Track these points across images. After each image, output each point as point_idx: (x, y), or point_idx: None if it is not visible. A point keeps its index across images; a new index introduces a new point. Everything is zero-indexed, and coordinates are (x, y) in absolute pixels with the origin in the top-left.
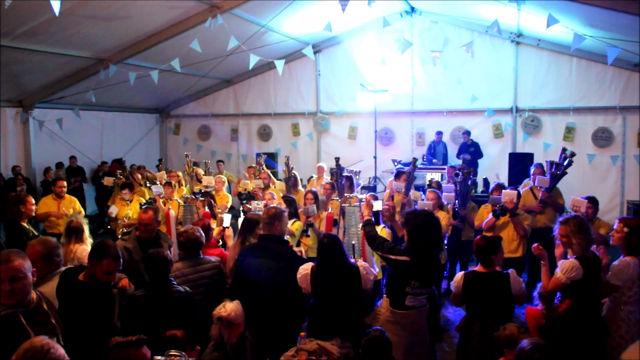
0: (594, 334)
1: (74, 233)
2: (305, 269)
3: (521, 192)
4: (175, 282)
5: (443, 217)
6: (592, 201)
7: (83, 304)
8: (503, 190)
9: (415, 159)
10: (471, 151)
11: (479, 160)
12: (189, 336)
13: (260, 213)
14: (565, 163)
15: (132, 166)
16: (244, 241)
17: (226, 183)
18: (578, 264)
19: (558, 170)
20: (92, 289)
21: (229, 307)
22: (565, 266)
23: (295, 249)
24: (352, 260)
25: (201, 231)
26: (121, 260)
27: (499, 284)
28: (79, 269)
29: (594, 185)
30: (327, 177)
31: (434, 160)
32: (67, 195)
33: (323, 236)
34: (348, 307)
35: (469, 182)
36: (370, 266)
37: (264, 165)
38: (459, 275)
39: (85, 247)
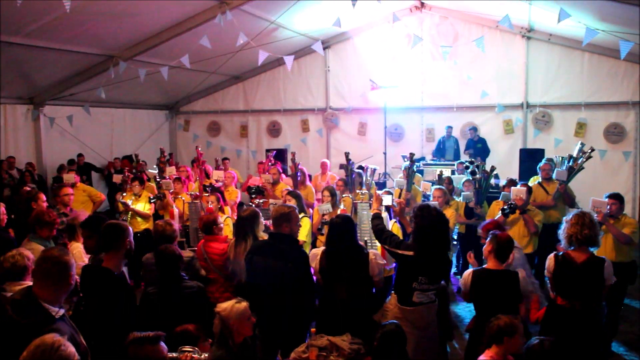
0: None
1: (66, 231)
2: (319, 249)
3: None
4: (187, 277)
5: (451, 215)
6: (616, 197)
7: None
8: (512, 188)
9: (412, 154)
10: (478, 147)
11: (488, 158)
12: (202, 330)
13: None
14: (584, 158)
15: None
16: (254, 238)
17: (236, 178)
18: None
19: (575, 164)
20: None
21: (225, 305)
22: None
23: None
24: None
25: (173, 225)
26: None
27: (508, 283)
28: None
29: (606, 181)
30: (330, 173)
31: (446, 156)
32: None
33: (336, 216)
34: (356, 296)
35: (487, 179)
36: (388, 262)
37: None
38: (468, 272)
39: (79, 245)
